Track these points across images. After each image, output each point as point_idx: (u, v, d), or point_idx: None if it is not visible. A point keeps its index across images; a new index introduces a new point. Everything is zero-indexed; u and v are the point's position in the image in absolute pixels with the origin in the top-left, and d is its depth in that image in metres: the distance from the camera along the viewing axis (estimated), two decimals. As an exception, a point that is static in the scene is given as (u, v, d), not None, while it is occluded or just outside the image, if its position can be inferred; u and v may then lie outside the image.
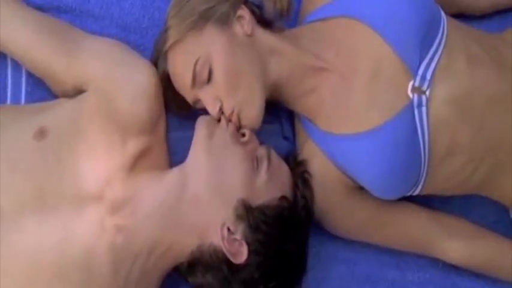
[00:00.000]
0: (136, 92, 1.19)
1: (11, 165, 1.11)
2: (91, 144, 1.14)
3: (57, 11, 1.32)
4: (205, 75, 1.16)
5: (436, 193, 1.25)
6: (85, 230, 1.09)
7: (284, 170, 1.20)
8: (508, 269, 1.31)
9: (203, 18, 1.17)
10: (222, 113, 1.19)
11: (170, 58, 1.20)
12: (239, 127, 1.19)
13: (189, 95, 1.21)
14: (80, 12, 1.34)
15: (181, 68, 1.19)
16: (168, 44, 1.19)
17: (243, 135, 1.19)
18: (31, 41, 1.21)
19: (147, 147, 1.19)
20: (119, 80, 1.19)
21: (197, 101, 1.22)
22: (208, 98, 1.19)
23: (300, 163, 1.23)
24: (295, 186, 1.19)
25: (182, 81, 1.20)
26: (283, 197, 1.14)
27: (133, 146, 1.17)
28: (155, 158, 1.21)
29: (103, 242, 1.09)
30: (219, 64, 1.16)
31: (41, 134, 1.12)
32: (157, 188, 1.14)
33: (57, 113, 1.17)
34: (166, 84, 1.23)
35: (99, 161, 1.13)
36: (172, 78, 1.22)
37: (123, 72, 1.20)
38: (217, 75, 1.16)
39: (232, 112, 1.18)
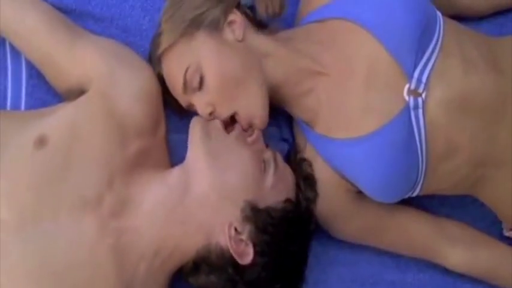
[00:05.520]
0: (137, 93, 1.19)
1: (12, 175, 1.10)
2: (91, 148, 1.13)
3: (58, 12, 1.33)
4: (196, 82, 1.16)
5: (433, 193, 1.25)
6: (86, 236, 1.08)
7: (288, 173, 1.21)
8: (509, 278, 1.31)
9: (194, 25, 1.17)
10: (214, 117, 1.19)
11: (163, 63, 1.21)
12: (246, 129, 1.20)
13: (182, 100, 1.22)
14: (80, 13, 1.33)
15: (173, 74, 1.20)
16: (160, 50, 1.19)
17: (251, 134, 1.20)
18: (38, 23, 1.21)
19: (147, 149, 1.19)
20: (120, 80, 1.19)
21: (191, 105, 1.22)
22: (200, 104, 1.19)
23: (302, 161, 1.23)
24: (298, 188, 1.20)
25: (174, 87, 1.21)
26: (287, 200, 1.16)
27: (134, 148, 1.17)
28: (155, 160, 1.21)
29: (105, 245, 1.09)
30: (209, 71, 1.16)
31: (41, 142, 1.11)
32: (159, 188, 1.14)
33: (56, 119, 1.16)
34: (162, 85, 1.23)
35: (99, 165, 1.12)
36: (166, 82, 1.22)
37: (125, 73, 1.20)
38: (208, 82, 1.16)
39: (232, 116, 1.18)
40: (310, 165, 1.23)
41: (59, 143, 1.12)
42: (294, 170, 1.22)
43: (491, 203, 1.28)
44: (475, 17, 1.41)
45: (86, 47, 1.22)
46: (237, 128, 1.19)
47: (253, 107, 1.18)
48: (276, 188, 1.16)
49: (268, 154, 1.19)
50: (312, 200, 1.20)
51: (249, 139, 1.19)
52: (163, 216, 1.12)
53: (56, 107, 1.22)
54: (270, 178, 1.15)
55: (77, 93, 1.21)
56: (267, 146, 1.22)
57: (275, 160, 1.18)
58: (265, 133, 1.26)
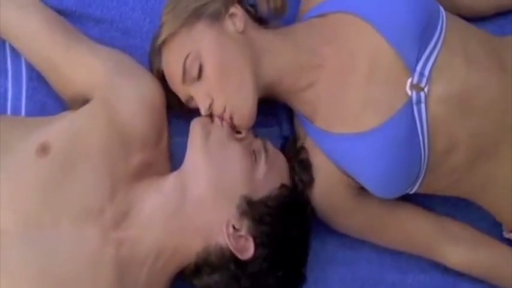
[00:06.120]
0: (139, 104, 1.19)
1: (14, 183, 1.10)
2: (93, 159, 1.13)
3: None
4: (195, 71, 1.17)
5: (432, 192, 1.25)
6: (87, 246, 1.08)
7: (281, 158, 1.22)
8: (509, 278, 1.31)
9: (195, 15, 1.19)
10: (211, 112, 1.19)
11: (163, 54, 1.21)
12: (232, 127, 1.19)
13: (181, 92, 1.22)
14: (80, 16, 1.34)
15: (172, 63, 1.20)
16: (161, 39, 1.20)
17: (239, 132, 1.20)
18: (39, 27, 1.22)
19: (150, 160, 1.19)
20: (122, 89, 1.19)
21: (189, 98, 1.22)
22: (199, 94, 1.19)
23: (302, 149, 1.24)
24: (292, 171, 1.21)
25: (173, 77, 1.21)
26: (282, 185, 1.17)
27: (136, 160, 1.17)
28: (157, 170, 1.20)
29: (106, 255, 1.09)
30: (208, 60, 1.16)
31: (43, 150, 1.11)
32: (157, 195, 1.14)
33: (59, 127, 1.16)
34: (162, 84, 1.23)
35: (101, 176, 1.12)
36: (165, 75, 1.23)
37: (126, 82, 1.20)
38: (207, 71, 1.17)
39: (224, 110, 1.18)
40: (307, 153, 1.23)
41: (61, 151, 1.12)
42: (290, 156, 1.23)
43: (490, 206, 1.28)
44: (475, 17, 1.41)
45: (84, 53, 1.22)
46: (226, 125, 1.19)
47: (239, 101, 1.17)
48: (269, 175, 1.16)
49: (257, 144, 1.19)
50: (308, 184, 1.21)
51: (238, 136, 1.19)
52: (161, 222, 1.13)
53: (60, 116, 1.22)
54: (262, 168, 1.16)
55: (81, 102, 1.21)
56: (255, 135, 1.23)
57: (265, 148, 1.19)
58: (265, 134, 1.26)
